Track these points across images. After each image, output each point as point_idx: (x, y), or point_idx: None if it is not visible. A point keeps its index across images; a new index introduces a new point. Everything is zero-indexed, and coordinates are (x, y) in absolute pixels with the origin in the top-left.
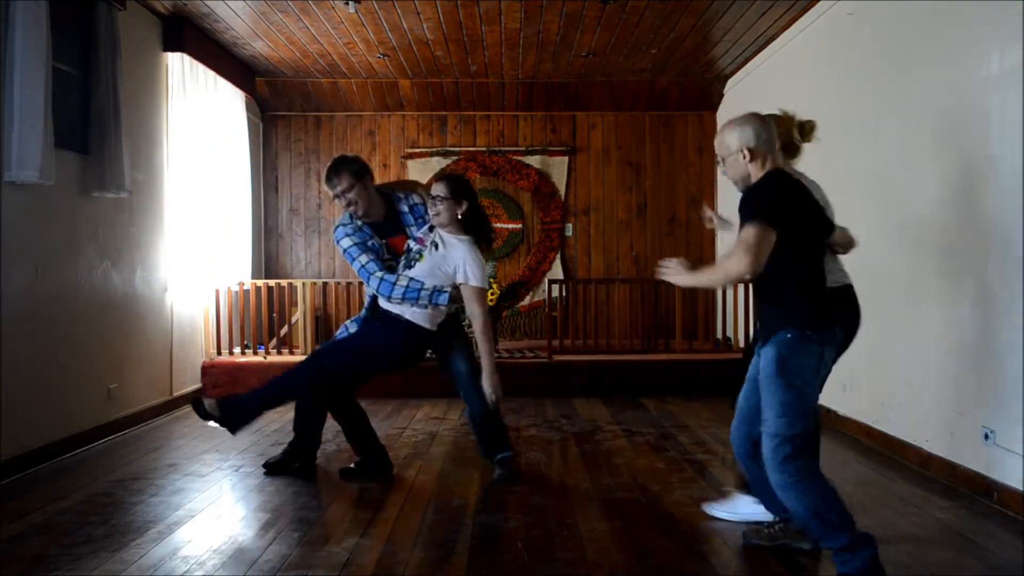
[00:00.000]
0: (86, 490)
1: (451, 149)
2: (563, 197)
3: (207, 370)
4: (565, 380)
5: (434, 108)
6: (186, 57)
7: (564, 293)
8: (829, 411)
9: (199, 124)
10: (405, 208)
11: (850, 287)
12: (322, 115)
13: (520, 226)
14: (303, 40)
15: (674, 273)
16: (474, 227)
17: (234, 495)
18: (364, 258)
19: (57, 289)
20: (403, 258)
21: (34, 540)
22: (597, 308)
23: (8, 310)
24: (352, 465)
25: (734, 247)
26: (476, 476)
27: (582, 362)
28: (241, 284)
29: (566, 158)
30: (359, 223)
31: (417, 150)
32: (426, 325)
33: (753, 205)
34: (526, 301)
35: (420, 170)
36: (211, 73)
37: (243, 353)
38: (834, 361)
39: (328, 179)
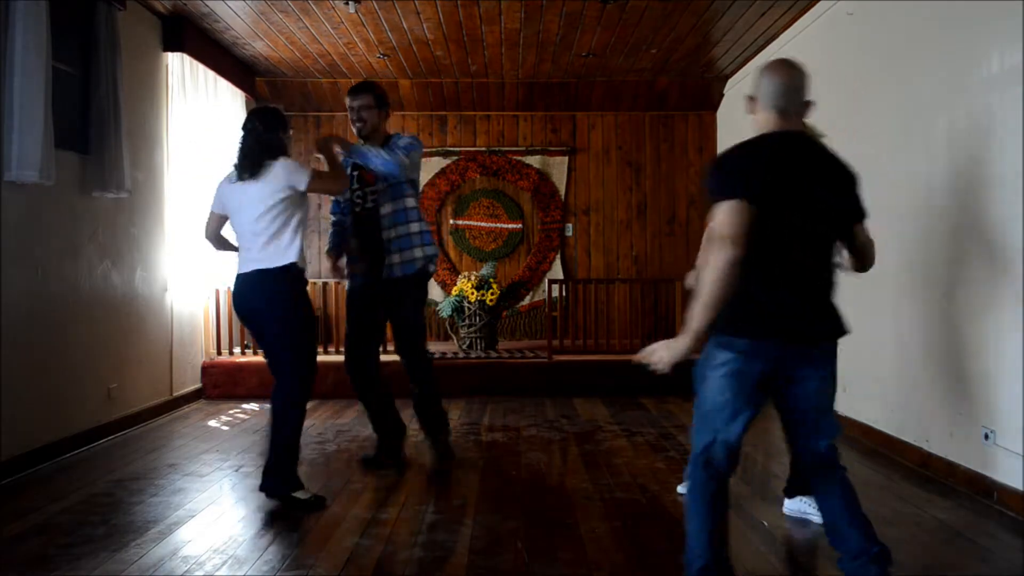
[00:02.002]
0: (86, 490)
1: (451, 149)
2: (563, 197)
3: (207, 370)
4: (565, 380)
5: (434, 108)
6: (186, 57)
7: (564, 293)
8: None
9: (199, 124)
10: (391, 143)
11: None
12: (322, 115)
13: (520, 226)
14: (303, 40)
15: (663, 349)
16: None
17: (234, 495)
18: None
19: (57, 289)
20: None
21: (34, 540)
22: (597, 308)
23: (8, 310)
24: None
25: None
26: (476, 476)
27: (582, 362)
28: None
29: (566, 158)
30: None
31: None
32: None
33: (708, 180)
34: (526, 301)
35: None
36: (211, 73)
37: (243, 353)
38: (807, 384)
39: (354, 91)
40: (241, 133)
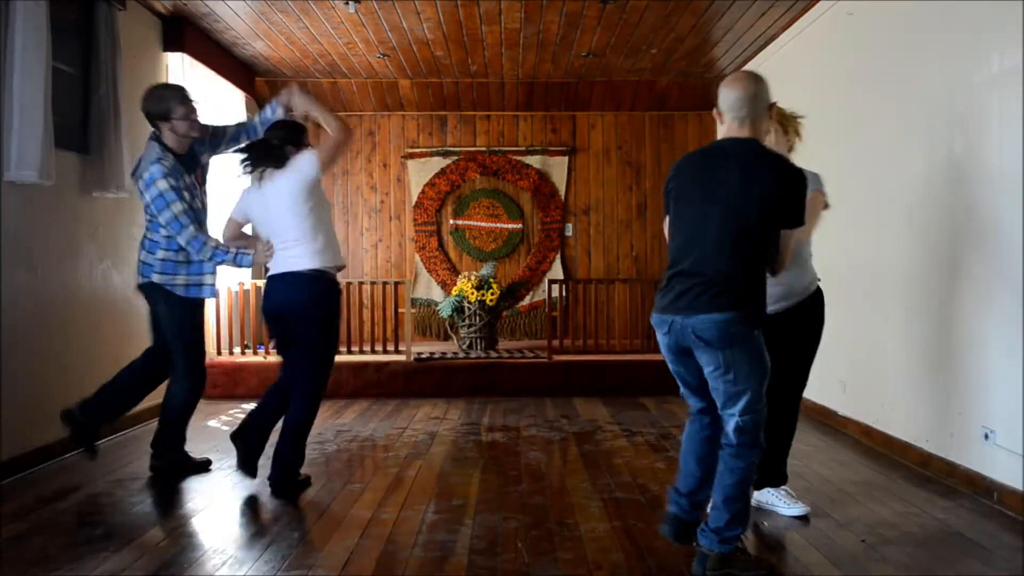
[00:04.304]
0: (86, 490)
1: (451, 149)
2: (563, 197)
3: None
4: (565, 380)
5: (434, 108)
6: (186, 57)
7: (564, 293)
8: (829, 411)
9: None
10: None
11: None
12: None
13: (520, 226)
14: (303, 40)
15: None
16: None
17: (234, 495)
18: (179, 207)
19: (57, 289)
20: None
21: (34, 540)
22: (597, 308)
23: (8, 310)
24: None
25: None
26: (476, 476)
27: (582, 362)
28: (241, 284)
29: (566, 158)
30: (172, 162)
31: (417, 150)
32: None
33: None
34: (526, 301)
35: (420, 170)
36: (211, 73)
37: (243, 353)
38: (702, 357)
39: (187, 100)
40: (263, 136)
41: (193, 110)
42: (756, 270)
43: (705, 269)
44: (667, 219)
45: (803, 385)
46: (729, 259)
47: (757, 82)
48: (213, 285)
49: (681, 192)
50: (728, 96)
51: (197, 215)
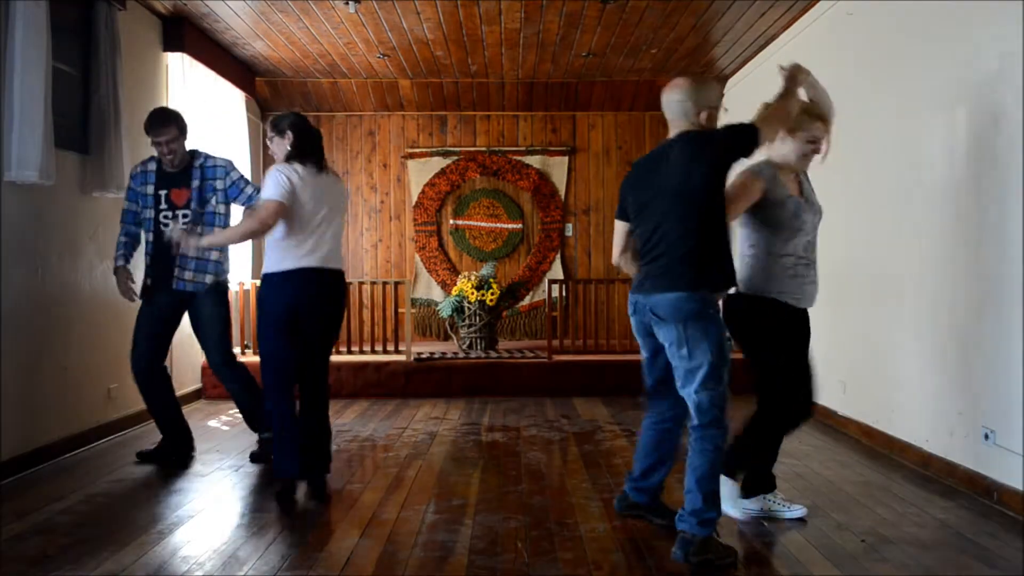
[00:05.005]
0: (86, 490)
1: (451, 149)
2: (563, 197)
3: (207, 370)
4: (565, 380)
5: (434, 108)
6: (186, 57)
7: (564, 293)
8: (829, 411)
9: (199, 124)
10: (199, 163)
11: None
12: (322, 115)
13: (520, 226)
14: (303, 40)
15: None
16: (308, 150)
17: (234, 495)
18: (124, 205)
19: (57, 289)
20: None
21: (34, 540)
22: (597, 308)
23: (8, 310)
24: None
25: None
26: (476, 476)
27: (582, 362)
28: (241, 284)
29: (566, 158)
30: (145, 167)
31: (417, 150)
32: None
33: None
34: (526, 301)
35: (420, 170)
36: (211, 73)
37: (243, 353)
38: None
39: (156, 127)
40: (305, 130)
41: (161, 142)
42: (707, 249)
43: (659, 252)
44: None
45: (768, 383)
46: (678, 241)
47: (671, 90)
48: (143, 287)
49: (632, 191)
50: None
51: (137, 218)
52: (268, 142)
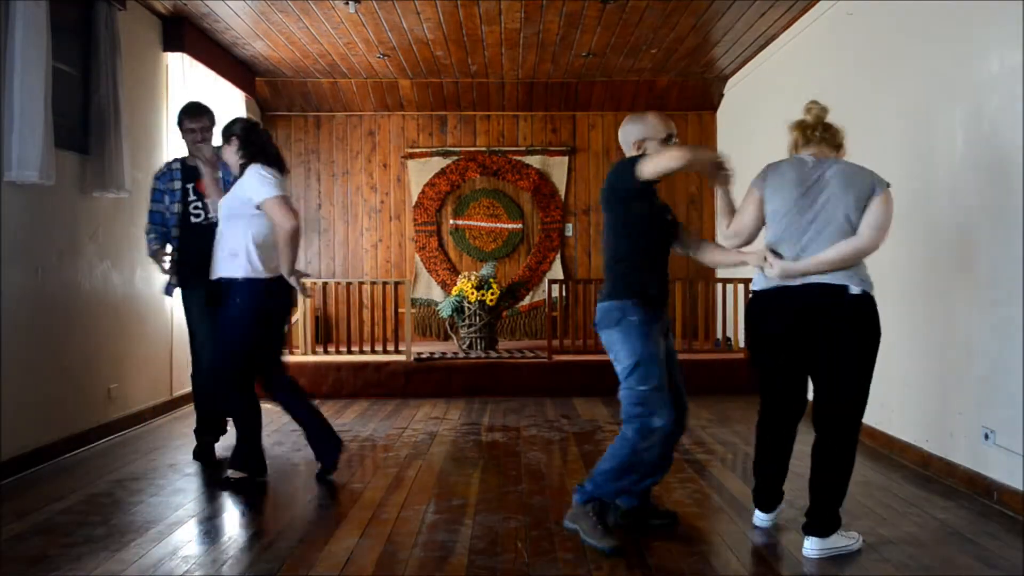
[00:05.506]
0: (86, 490)
1: (451, 149)
2: (563, 197)
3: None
4: (565, 380)
5: (434, 108)
6: (186, 57)
7: (564, 293)
8: None
9: None
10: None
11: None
12: (322, 115)
13: (520, 226)
14: (303, 40)
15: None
16: (257, 153)
17: (234, 495)
18: (150, 206)
19: (57, 289)
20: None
21: (34, 540)
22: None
23: (8, 310)
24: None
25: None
26: (476, 476)
27: (582, 362)
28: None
29: (566, 158)
30: (169, 167)
31: (417, 150)
32: None
33: None
34: (526, 301)
35: (420, 170)
36: (211, 73)
37: None
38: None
39: (194, 114)
40: (249, 129)
41: (195, 128)
42: (624, 264)
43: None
44: None
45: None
46: (608, 258)
47: (623, 124)
48: (169, 283)
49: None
50: None
51: (163, 219)
52: (219, 154)
